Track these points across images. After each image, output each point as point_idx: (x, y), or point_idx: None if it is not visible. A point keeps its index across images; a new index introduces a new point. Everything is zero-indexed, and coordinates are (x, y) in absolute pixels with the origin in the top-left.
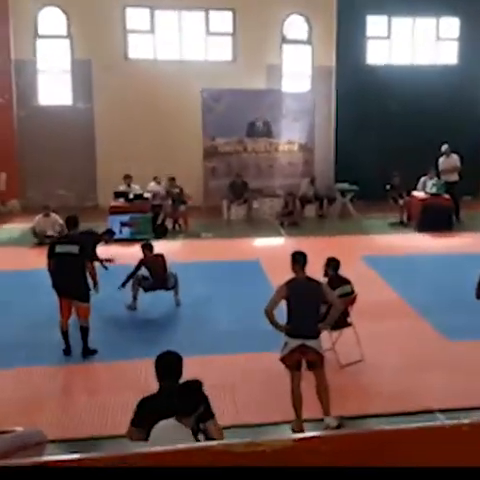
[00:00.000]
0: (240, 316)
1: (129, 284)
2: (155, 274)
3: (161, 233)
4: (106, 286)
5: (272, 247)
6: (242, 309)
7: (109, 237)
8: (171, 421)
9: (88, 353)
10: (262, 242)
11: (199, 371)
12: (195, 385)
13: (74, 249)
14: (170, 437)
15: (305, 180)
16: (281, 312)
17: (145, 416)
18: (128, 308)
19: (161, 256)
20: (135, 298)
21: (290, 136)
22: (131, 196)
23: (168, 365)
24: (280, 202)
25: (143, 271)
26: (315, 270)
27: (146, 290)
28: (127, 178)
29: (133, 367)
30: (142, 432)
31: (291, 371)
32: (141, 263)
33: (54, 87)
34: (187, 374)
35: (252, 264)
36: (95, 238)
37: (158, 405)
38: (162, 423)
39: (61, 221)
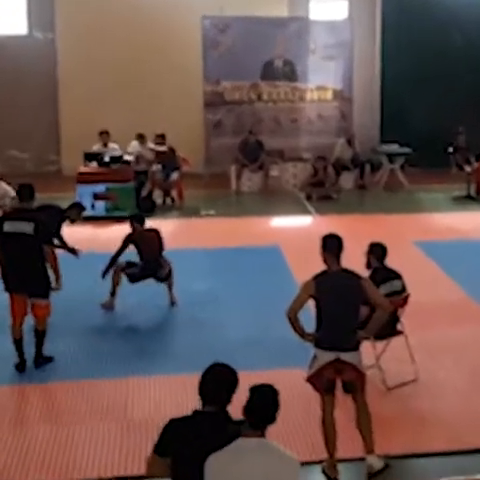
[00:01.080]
0: (253, 321)
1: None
2: (146, 256)
3: (147, 209)
4: (74, 279)
5: (296, 229)
6: (256, 311)
7: (77, 214)
8: (252, 442)
9: (42, 362)
10: (283, 222)
11: None
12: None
13: (27, 228)
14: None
15: (341, 140)
16: (308, 315)
17: (172, 442)
18: (103, 307)
19: (155, 231)
20: (113, 293)
21: (320, 80)
22: (107, 159)
23: (216, 382)
24: (307, 168)
25: (127, 255)
26: (354, 260)
27: (132, 280)
28: (103, 135)
29: (111, 388)
30: (165, 464)
31: (322, 394)
32: (128, 239)
33: (2, 11)
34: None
35: (269, 252)
36: (58, 215)
37: (188, 431)
38: (235, 447)
39: (12, 192)
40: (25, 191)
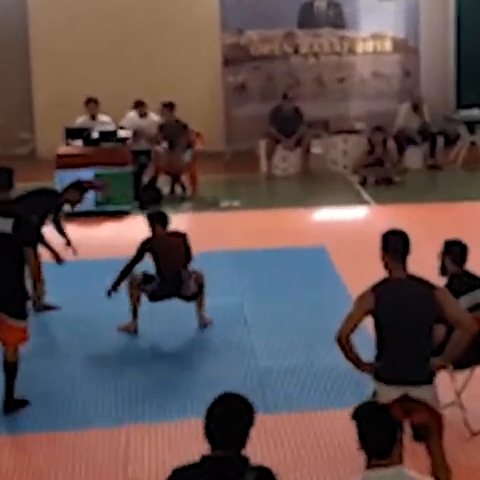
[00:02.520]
0: (292, 345)
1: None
2: (165, 270)
3: (150, 201)
4: (59, 292)
5: (347, 224)
6: (296, 333)
7: (77, 195)
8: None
9: (13, 406)
10: (329, 215)
11: None
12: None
13: (5, 225)
14: None
15: (404, 105)
16: (365, 338)
17: None
18: (123, 330)
19: (182, 237)
20: (135, 314)
21: (376, 26)
22: (96, 135)
23: (229, 419)
24: (361, 144)
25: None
26: (424, 264)
27: (152, 298)
28: (90, 104)
29: (108, 438)
30: None
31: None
32: (145, 247)
33: None
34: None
35: (312, 254)
36: (53, 203)
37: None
38: None
39: None
40: (1, 177)
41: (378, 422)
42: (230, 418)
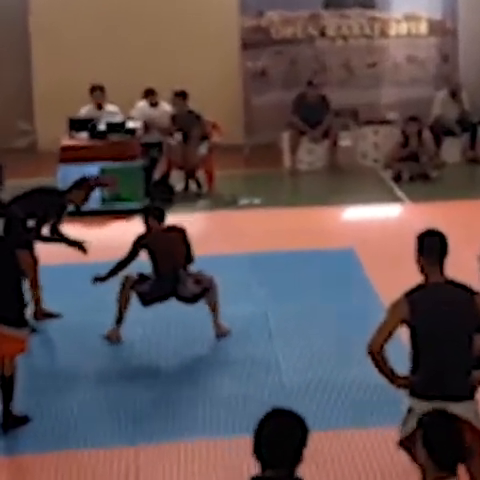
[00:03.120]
0: (319, 358)
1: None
2: (162, 267)
3: (162, 198)
4: (61, 300)
5: (379, 224)
6: (323, 345)
7: (81, 196)
8: None
9: (13, 423)
10: (359, 214)
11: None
12: None
13: None
14: None
15: (441, 93)
16: (399, 350)
17: None
18: (107, 339)
19: (180, 231)
20: (120, 320)
21: (410, 6)
22: (102, 127)
23: (281, 437)
24: (393, 135)
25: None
26: (465, 268)
27: (145, 301)
28: (96, 92)
29: (117, 459)
30: None
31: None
32: (139, 243)
33: None
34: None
35: (340, 257)
36: (55, 203)
37: None
38: None
39: None
40: None
41: (448, 434)
42: (281, 436)
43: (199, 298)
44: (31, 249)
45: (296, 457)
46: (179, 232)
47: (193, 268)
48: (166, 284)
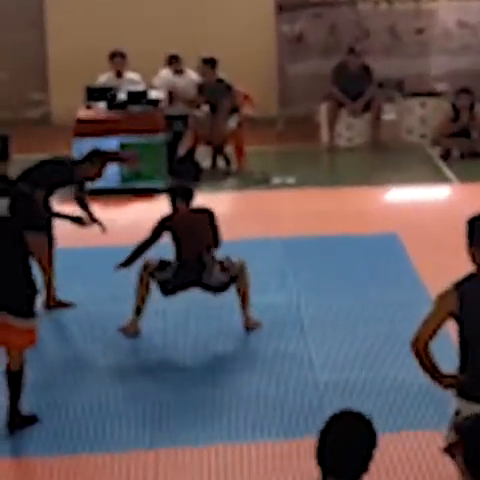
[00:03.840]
0: (357, 355)
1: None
2: (185, 252)
3: (187, 176)
4: (75, 288)
5: (425, 207)
6: (362, 340)
7: (96, 169)
8: None
9: (20, 424)
10: (404, 196)
11: (284, 465)
12: None
13: None
14: None
15: None
16: (447, 345)
17: None
18: (123, 332)
19: (207, 213)
20: (139, 310)
21: None
22: (122, 97)
23: (345, 443)
24: (443, 109)
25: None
26: None
27: (166, 291)
28: (116, 59)
29: (134, 463)
30: None
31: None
32: (162, 225)
33: None
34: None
35: (383, 243)
36: (66, 176)
37: None
38: None
39: None
40: None
41: None
42: (348, 441)
43: (226, 287)
44: (47, 230)
45: (362, 467)
46: (206, 214)
47: (220, 254)
48: (190, 271)
